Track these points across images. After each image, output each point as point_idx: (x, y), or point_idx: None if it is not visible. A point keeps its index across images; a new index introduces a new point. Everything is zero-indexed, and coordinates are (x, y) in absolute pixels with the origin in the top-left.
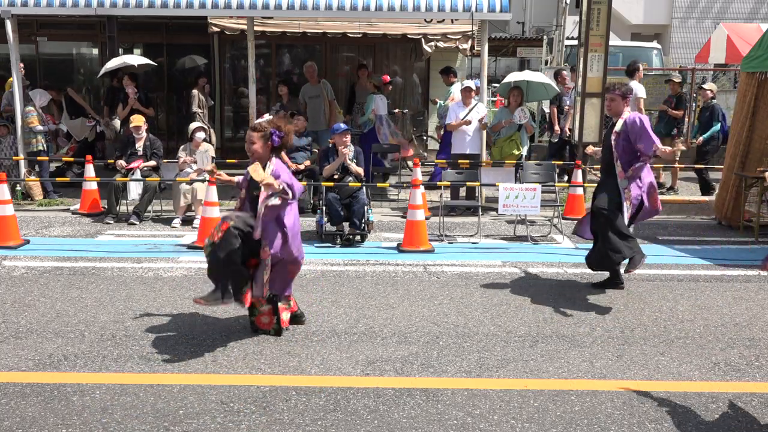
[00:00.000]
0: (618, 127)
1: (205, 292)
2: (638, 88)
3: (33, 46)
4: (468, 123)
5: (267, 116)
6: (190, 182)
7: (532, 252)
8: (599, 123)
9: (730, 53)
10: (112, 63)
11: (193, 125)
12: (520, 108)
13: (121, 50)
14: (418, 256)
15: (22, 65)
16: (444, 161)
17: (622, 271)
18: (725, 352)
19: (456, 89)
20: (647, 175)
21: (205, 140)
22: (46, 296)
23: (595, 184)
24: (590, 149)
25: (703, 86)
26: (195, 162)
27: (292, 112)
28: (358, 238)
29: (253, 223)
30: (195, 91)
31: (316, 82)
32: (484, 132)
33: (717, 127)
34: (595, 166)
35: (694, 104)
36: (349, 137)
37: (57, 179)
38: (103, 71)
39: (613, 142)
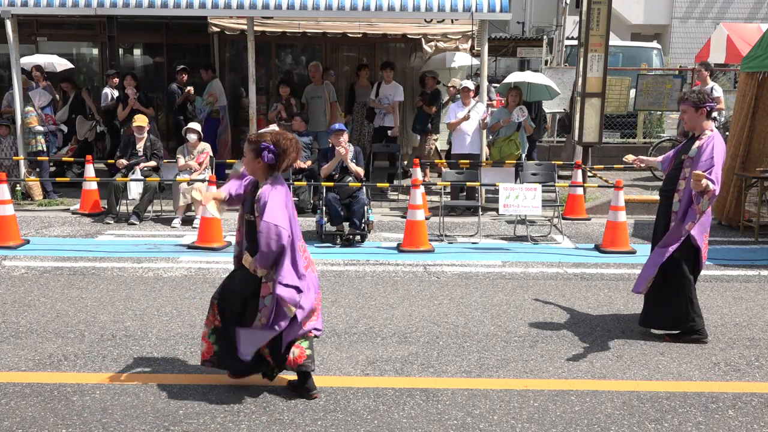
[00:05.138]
0: (693, 150)
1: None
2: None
3: (33, 46)
4: (467, 119)
5: (273, 126)
6: (190, 182)
7: (532, 252)
8: (599, 123)
9: (730, 53)
10: None
11: (186, 127)
12: (518, 107)
13: (121, 50)
14: (418, 256)
15: None
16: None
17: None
18: (725, 352)
19: (213, 84)
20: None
21: (200, 139)
22: (46, 296)
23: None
24: (630, 158)
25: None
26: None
27: (289, 114)
28: (358, 238)
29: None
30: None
31: (320, 82)
32: (484, 132)
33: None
34: (596, 166)
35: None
36: (345, 137)
37: (57, 179)
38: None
39: (685, 169)
